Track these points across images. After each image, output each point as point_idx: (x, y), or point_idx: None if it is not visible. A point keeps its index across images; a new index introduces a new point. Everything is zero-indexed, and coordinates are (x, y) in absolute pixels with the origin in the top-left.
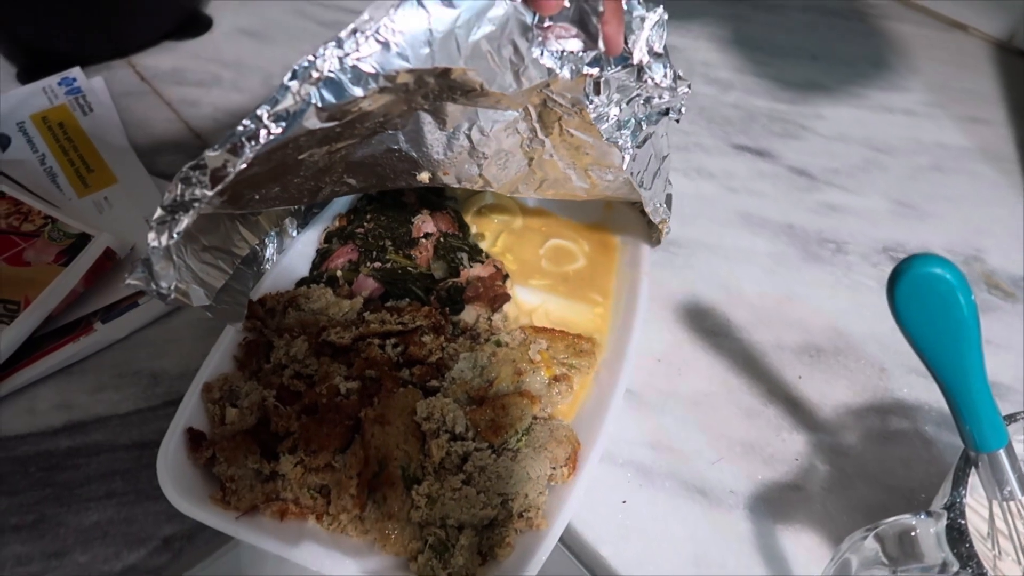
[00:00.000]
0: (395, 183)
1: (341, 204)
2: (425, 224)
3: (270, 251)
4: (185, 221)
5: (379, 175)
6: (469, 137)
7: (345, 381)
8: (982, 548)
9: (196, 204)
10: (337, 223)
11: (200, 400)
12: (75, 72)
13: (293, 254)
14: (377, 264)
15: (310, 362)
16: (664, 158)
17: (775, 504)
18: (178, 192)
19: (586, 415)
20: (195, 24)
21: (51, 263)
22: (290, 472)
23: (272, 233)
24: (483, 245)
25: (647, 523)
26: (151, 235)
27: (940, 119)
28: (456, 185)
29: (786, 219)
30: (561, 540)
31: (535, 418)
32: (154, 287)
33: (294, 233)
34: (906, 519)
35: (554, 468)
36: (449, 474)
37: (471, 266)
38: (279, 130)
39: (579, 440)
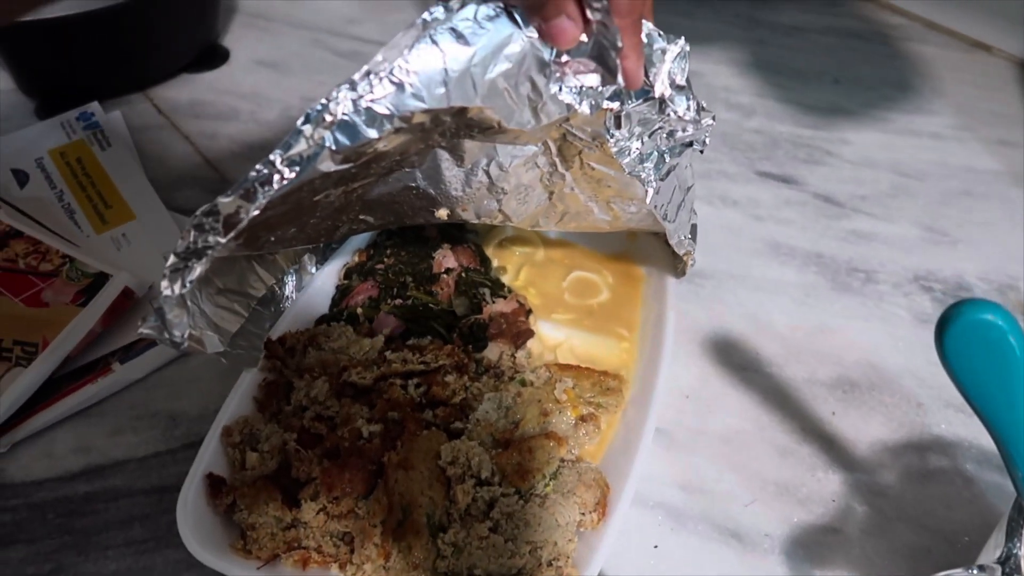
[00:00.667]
0: (413, 220)
1: (361, 239)
2: (446, 259)
3: (289, 289)
4: (198, 269)
5: (397, 212)
6: (488, 173)
7: (367, 423)
8: None
9: (209, 251)
10: (357, 259)
11: (220, 444)
12: (93, 106)
13: (312, 291)
14: (398, 301)
15: (331, 403)
16: (688, 188)
17: (812, 548)
18: (191, 239)
19: (614, 456)
20: (212, 56)
21: (69, 303)
22: (312, 519)
23: (291, 271)
24: (505, 279)
25: (680, 568)
26: (164, 283)
27: (968, 142)
28: (475, 221)
29: (815, 248)
30: None
31: (563, 461)
32: (167, 336)
33: (313, 270)
34: (957, 574)
35: (583, 514)
36: (476, 521)
37: (493, 301)
38: (292, 175)
39: (608, 483)
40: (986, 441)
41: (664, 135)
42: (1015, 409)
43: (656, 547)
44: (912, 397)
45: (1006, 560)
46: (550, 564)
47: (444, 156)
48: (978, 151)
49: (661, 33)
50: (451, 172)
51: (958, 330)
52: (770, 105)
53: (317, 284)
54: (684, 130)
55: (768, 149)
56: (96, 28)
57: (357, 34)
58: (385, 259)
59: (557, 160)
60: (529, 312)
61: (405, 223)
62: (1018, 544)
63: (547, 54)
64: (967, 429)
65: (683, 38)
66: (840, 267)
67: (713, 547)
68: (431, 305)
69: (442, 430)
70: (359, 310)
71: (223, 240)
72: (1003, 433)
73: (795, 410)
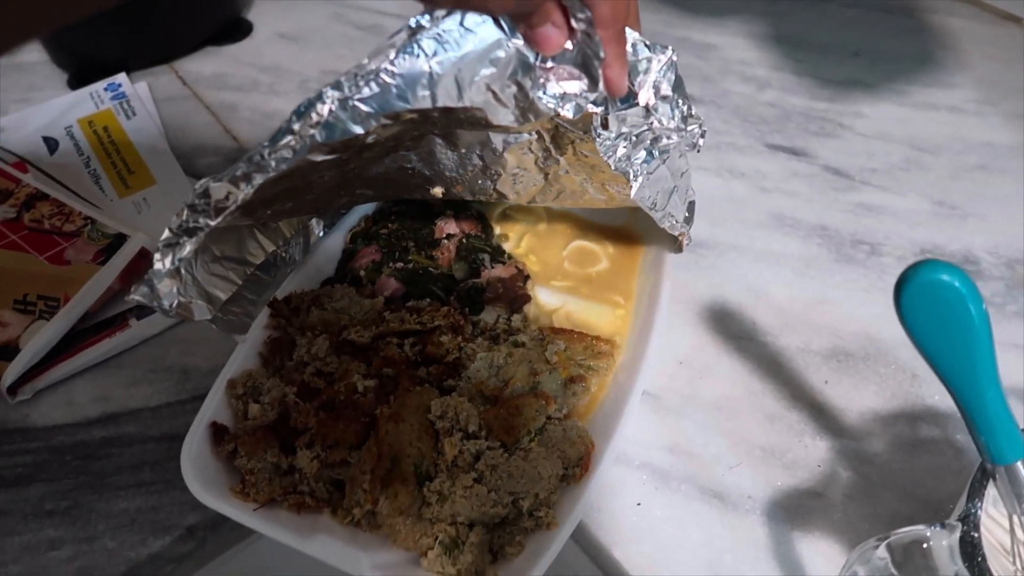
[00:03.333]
0: (411, 194)
1: (368, 206)
2: (448, 225)
3: (297, 251)
4: (188, 248)
5: (395, 188)
6: (482, 157)
7: (363, 379)
8: (1004, 562)
9: (200, 232)
10: (363, 224)
11: (225, 395)
12: (121, 78)
13: (320, 254)
14: (400, 264)
15: (331, 360)
16: (683, 174)
17: (794, 511)
18: (184, 217)
19: (602, 416)
20: (236, 30)
21: (89, 262)
22: (307, 466)
23: (297, 236)
24: (506, 247)
25: (661, 526)
26: (156, 255)
27: (989, 116)
28: (470, 198)
29: (820, 220)
30: (575, 540)
31: (549, 418)
32: (156, 304)
33: (320, 233)
34: (919, 530)
35: (567, 468)
36: (461, 472)
37: (493, 267)
38: (282, 166)
39: (593, 441)
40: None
41: (649, 140)
42: (974, 371)
43: (639, 504)
44: (907, 368)
45: (966, 518)
46: (531, 514)
47: (438, 142)
48: (998, 125)
49: (647, 43)
50: (445, 155)
51: (914, 291)
52: (786, 78)
53: (325, 247)
54: (669, 137)
55: (780, 122)
56: (126, 4)
57: (378, 8)
58: (389, 224)
59: (551, 147)
60: (527, 278)
61: (403, 196)
62: (979, 504)
63: (532, 58)
64: None
65: (671, 48)
66: (844, 239)
67: (695, 506)
68: (431, 269)
69: (434, 387)
70: (362, 272)
71: (212, 223)
72: (962, 395)
73: (787, 378)
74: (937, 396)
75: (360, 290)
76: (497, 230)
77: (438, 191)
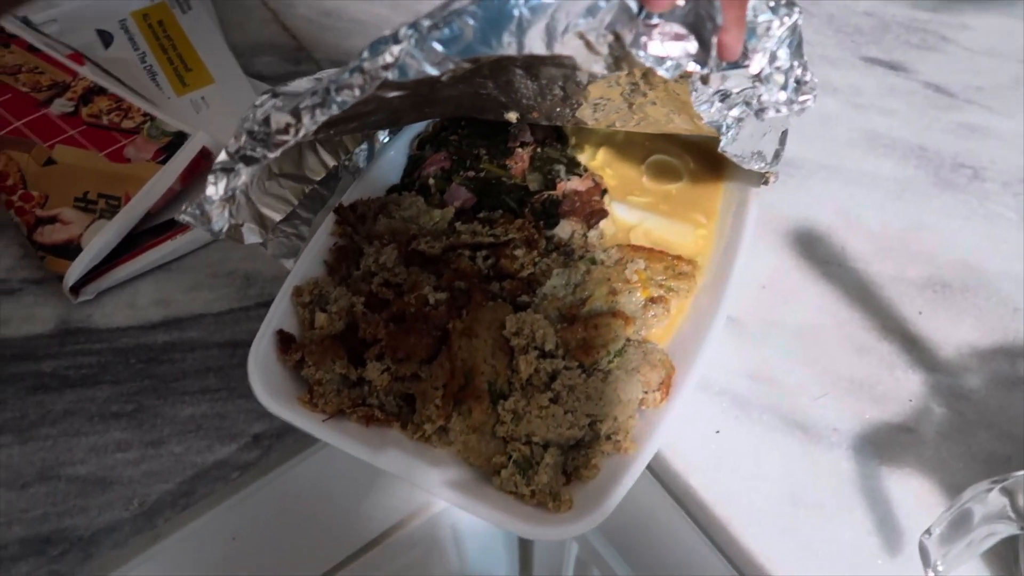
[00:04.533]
0: (483, 115)
1: None
2: (522, 133)
3: (360, 160)
4: (244, 176)
5: (466, 108)
6: (564, 88)
7: (434, 291)
8: None
9: (257, 163)
10: (431, 129)
11: (290, 303)
12: None
13: (384, 161)
14: (471, 173)
15: (399, 271)
16: (783, 133)
17: (882, 446)
18: (242, 143)
19: (683, 340)
20: None
21: (150, 160)
22: (376, 379)
23: (360, 145)
24: (582, 158)
25: (741, 456)
26: (211, 178)
27: None
28: (546, 124)
29: (918, 141)
30: (649, 467)
31: (628, 340)
32: (205, 227)
33: (384, 139)
34: None
35: (646, 392)
36: (536, 391)
37: (568, 179)
38: (351, 99)
39: (674, 365)
40: None
41: (754, 110)
42: None
43: (718, 432)
44: (1009, 301)
45: None
46: (608, 438)
47: (518, 72)
48: None
49: (771, 3)
50: (524, 85)
51: None
52: None
53: (390, 154)
54: (778, 111)
55: (877, 33)
56: None
57: None
58: (460, 130)
59: (640, 82)
60: (604, 192)
61: (475, 116)
62: None
63: (636, 8)
64: None
65: (798, 9)
66: (944, 162)
67: (776, 436)
68: (504, 179)
69: (508, 303)
70: (431, 181)
71: (271, 155)
72: None
73: (878, 308)
74: None
75: (428, 199)
76: (572, 140)
77: (512, 116)
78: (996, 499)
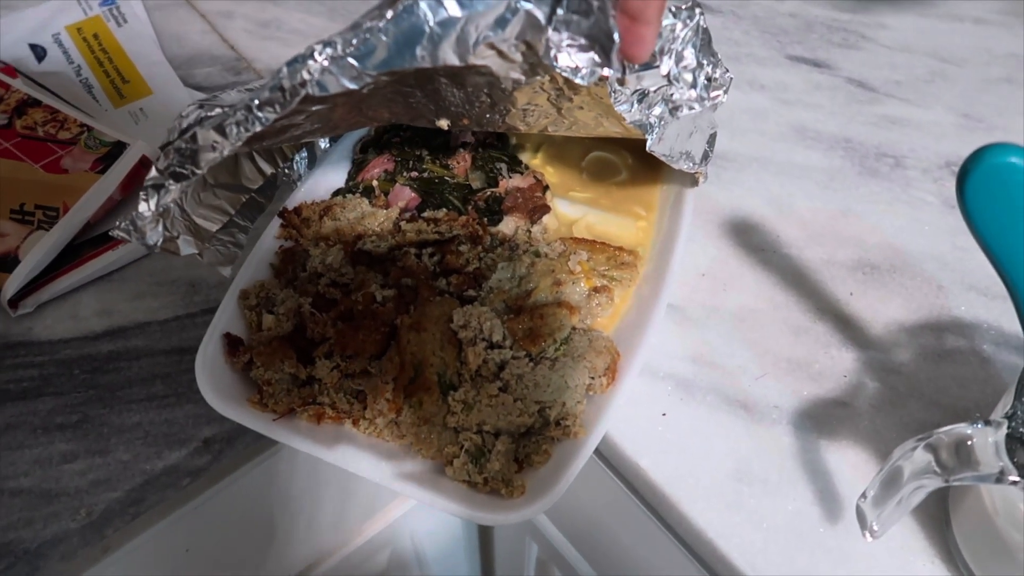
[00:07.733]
0: (414, 123)
1: None
2: (463, 133)
3: (301, 167)
4: (175, 191)
5: (399, 116)
6: (490, 95)
7: (381, 289)
8: None
9: (186, 179)
10: (372, 132)
11: (237, 306)
12: None
13: (327, 165)
14: (414, 174)
15: (346, 270)
16: (704, 117)
17: (821, 420)
18: (171, 160)
19: (627, 328)
20: None
21: (88, 171)
22: (326, 376)
23: (300, 152)
24: (523, 156)
25: (687, 437)
26: (142, 194)
27: (1015, 27)
28: (477, 130)
29: (843, 133)
30: (599, 453)
31: (574, 328)
32: (139, 241)
33: (324, 145)
34: (962, 428)
35: (593, 378)
36: (486, 381)
37: (510, 177)
38: (273, 115)
39: (619, 351)
40: (1006, 323)
41: (670, 106)
42: None
43: (664, 415)
44: (933, 280)
45: (1013, 416)
46: (558, 423)
47: (443, 81)
48: (1023, 36)
49: (672, 8)
50: (451, 93)
51: (981, 174)
52: None
53: (333, 158)
54: (691, 107)
55: (801, 33)
56: None
57: None
58: (401, 132)
59: (564, 87)
60: (546, 188)
61: (405, 123)
62: None
63: (543, 19)
64: (987, 311)
65: (699, 10)
66: (868, 152)
67: (721, 417)
68: (447, 178)
69: (455, 297)
70: (375, 183)
71: (199, 171)
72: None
73: (812, 290)
74: (964, 307)
75: (373, 201)
76: (513, 139)
77: (443, 123)
78: (922, 456)
